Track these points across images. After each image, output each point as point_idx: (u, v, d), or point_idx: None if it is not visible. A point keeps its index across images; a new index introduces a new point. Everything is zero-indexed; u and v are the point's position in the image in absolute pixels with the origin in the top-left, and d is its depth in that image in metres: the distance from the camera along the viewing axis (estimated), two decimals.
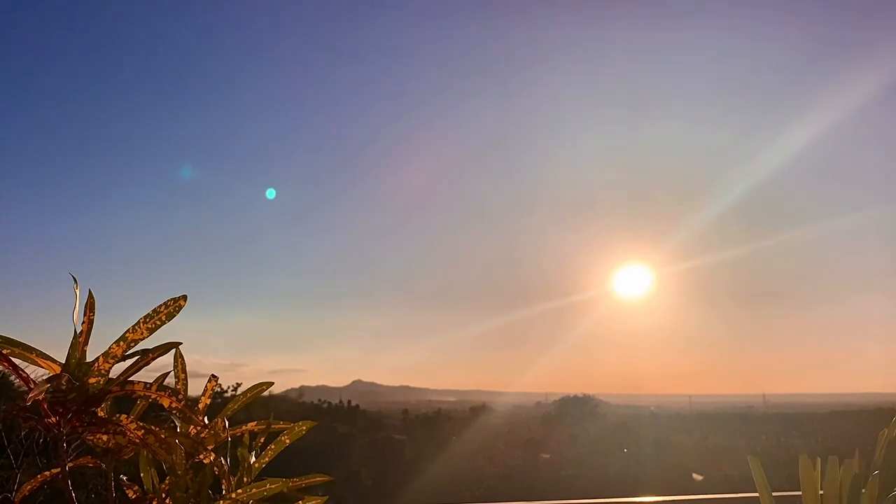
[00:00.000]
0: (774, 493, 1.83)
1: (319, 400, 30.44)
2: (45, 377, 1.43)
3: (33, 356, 1.37)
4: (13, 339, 1.36)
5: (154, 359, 1.32)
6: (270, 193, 38.93)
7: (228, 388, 16.44)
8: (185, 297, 1.39)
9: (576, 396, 29.47)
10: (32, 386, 1.32)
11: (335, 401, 29.46)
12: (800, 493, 1.78)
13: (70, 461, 1.59)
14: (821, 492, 1.67)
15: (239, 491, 1.53)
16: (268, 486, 1.55)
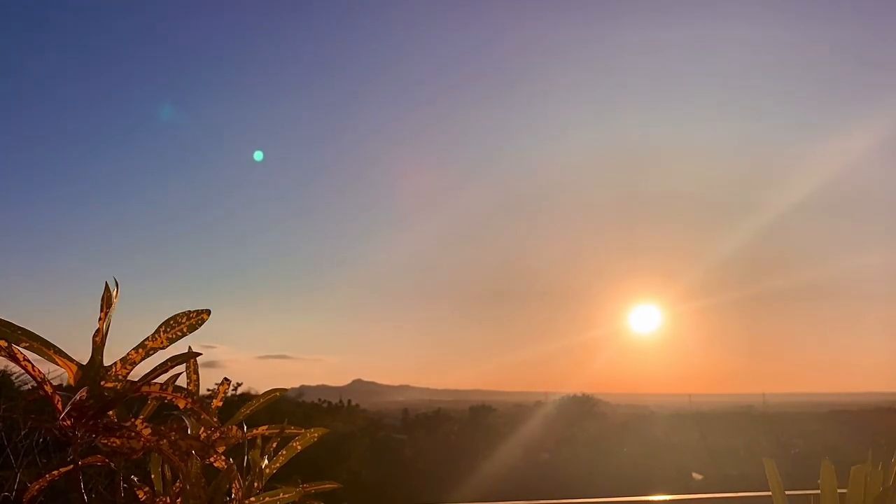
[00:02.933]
0: (764, 494, 1.84)
1: (320, 399, 30.41)
2: (50, 374, 1.43)
3: (51, 353, 1.35)
4: (34, 333, 1.33)
5: (173, 367, 1.32)
6: (258, 156, 37.09)
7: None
8: (208, 312, 1.37)
9: (576, 396, 29.46)
10: (48, 387, 1.32)
11: (335, 400, 29.44)
12: (800, 492, 1.79)
13: (68, 462, 1.59)
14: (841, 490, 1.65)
15: (252, 499, 1.53)
16: (281, 494, 1.55)
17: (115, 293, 1.39)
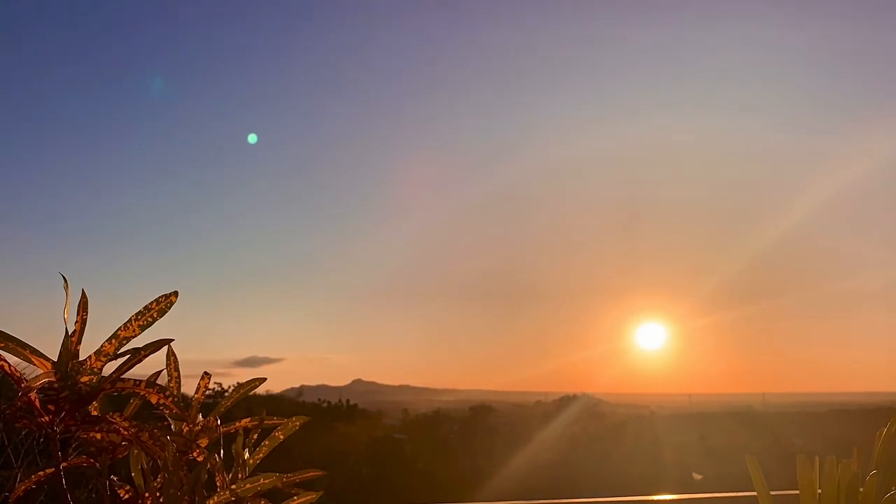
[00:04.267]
0: (773, 493, 1.83)
1: (319, 399, 30.46)
2: (36, 376, 1.42)
3: (27, 353, 1.35)
4: (8, 334, 1.33)
5: (146, 356, 1.33)
6: (252, 138, 36.35)
7: (230, 387, 16.43)
8: (175, 294, 1.40)
9: (576, 395, 29.52)
10: (24, 384, 1.32)
11: (335, 400, 29.48)
12: (798, 492, 1.77)
13: (66, 461, 1.59)
14: (819, 491, 1.67)
15: (233, 486, 1.54)
16: (261, 481, 1.55)
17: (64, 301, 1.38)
